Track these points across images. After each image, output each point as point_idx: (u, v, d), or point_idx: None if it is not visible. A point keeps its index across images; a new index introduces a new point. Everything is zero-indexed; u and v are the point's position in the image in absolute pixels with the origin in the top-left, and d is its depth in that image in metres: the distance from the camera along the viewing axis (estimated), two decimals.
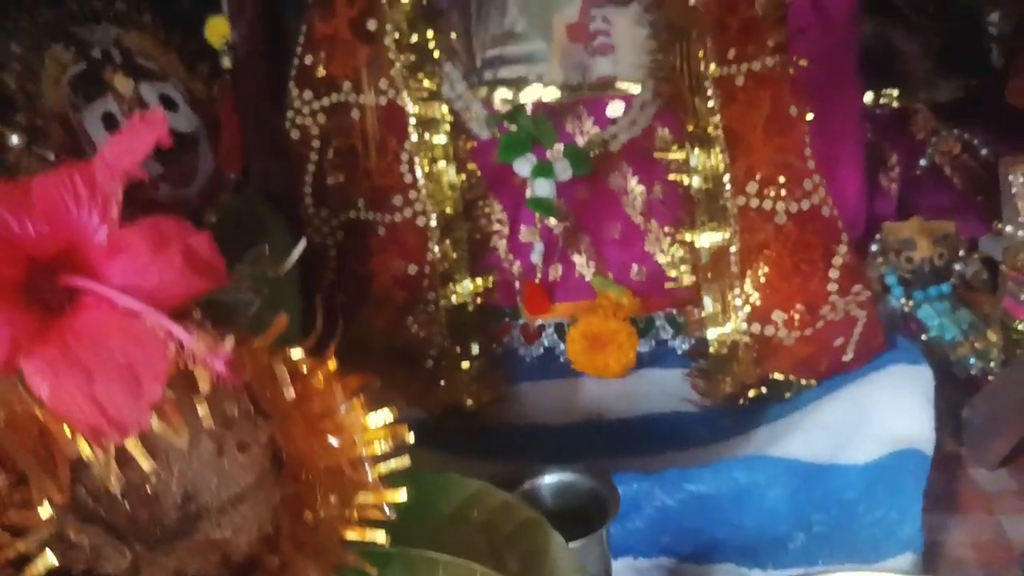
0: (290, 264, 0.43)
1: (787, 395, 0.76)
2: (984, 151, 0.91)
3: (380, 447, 0.40)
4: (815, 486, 0.64)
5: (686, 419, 0.78)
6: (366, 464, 0.39)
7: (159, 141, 0.37)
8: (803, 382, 0.77)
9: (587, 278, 0.91)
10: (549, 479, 0.58)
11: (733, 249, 0.83)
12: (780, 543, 0.62)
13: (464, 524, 0.45)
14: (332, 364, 0.41)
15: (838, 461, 0.65)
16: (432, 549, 0.43)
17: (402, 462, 0.40)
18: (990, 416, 0.70)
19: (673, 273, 0.87)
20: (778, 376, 0.78)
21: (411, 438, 0.40)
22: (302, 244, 0.44)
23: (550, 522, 0.49)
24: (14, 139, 0.71)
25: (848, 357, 0.76)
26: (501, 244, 0.92)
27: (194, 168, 0.90)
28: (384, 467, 0.39)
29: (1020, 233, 0.81)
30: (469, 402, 0.79)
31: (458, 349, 0.84)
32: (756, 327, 0.84)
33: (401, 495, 0.39)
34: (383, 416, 0.40)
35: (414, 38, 0.90)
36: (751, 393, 0.78)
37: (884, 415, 0.67)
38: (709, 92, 0.84)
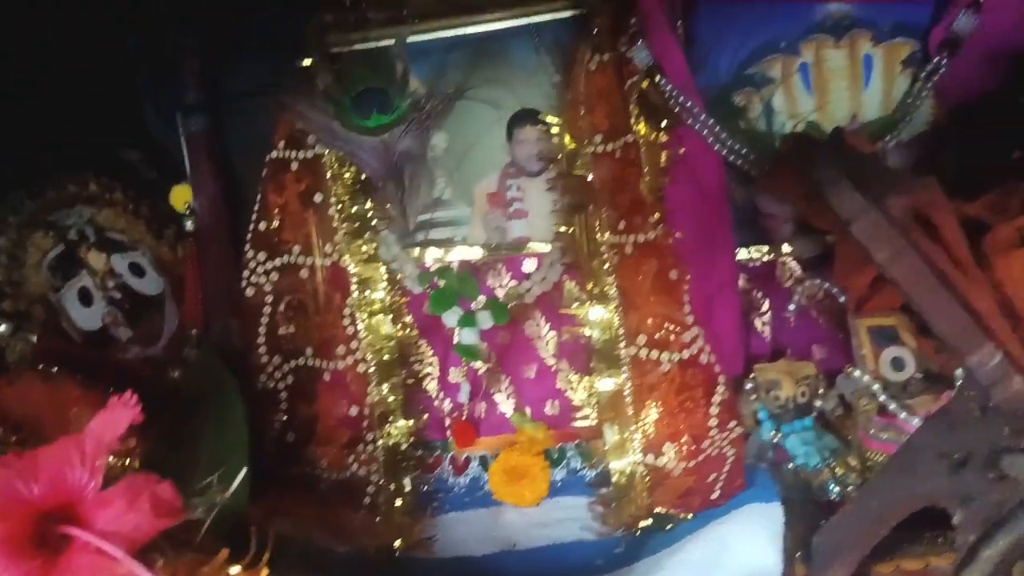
0: (234, 488, 0.56)
1: (668, 527, 0.90)
2: (842, 297, 1.07)
3: None
4: None
5: (587, 547, 0.90)
6: None
7: (133, 420, 0.50)
8: (682, 515, 0.90)
9: (508, 414, 1.04)
10: None
11: (627, 391, 0.98)
12: None
13: None
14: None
15: None
16: None
17: None
18: (832, 544, 0.83)
19: (580, 413, 1.01)
20: (662, 510, 0.91)
21: None
22: (244, 472, 0.56)
23: None
24: (2, 327, 0.81)
25: (716, 495, 0.89)
26: (432, 385, 1.05)
27: (160, 327, 1.03)
28: None
29: (866, 378, 0.96)
30: (398, 543, 0.90)
31: (392, 486, 0.97)
32: (651, 458, 0.97)
33: None
34: None
35: (355, 208, 1.05)
36: (641, 524, 0.91)
37: (739, 552, 0.80)
38: (604, 257, 1.00)
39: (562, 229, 1.01)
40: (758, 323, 1.06)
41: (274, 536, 0.82)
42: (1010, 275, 0.59)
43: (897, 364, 0.94)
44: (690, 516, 0.88)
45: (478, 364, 1.05)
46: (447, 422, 1.04)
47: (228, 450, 0.79)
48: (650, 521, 0.90)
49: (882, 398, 0.93)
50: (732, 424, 0.96)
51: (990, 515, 0.51)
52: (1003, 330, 0.53)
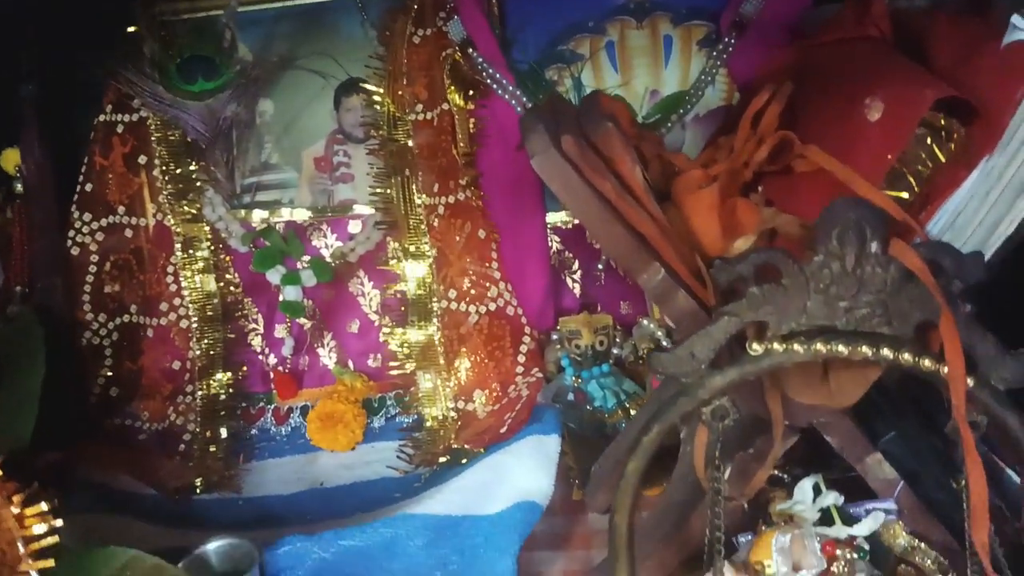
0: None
1: (463, 461, 0.96)
2: None
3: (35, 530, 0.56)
4: (451, 535, 0.83)
5: (389, 484, 0.96)
6: (19, 544, 0.54)
7: None
8: (476, 450, 0.97)
9: (330, 367, 1.10)
10: (214, 545, 0.75)
11: (439, 342, 1.04)
12: None
13: None
14: None
15: (471, 513, 0.85)
16: None
17: (50, 541, 0.56)
18: (602, 472, 0.91)
19: (399, 364, 1.07)
20: (459, 446, 0.98)
21: (59, 523, 0.56)
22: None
23: None
24: None
25: (504, 429, 0.97)
26: (257, 340, 1.10)
27: None
28: (36, 545, 0.55)
29: (652, 325, 1.06)
30: (199, 480, 0.94)
31: (208, 434, 1.01)
32: (461, 403, 1.04)
33: (49, 564, 0.55)
34: (39, 508, 0.56)
35: (179, 170, 1.09)
36: (440, 460, 0.98)
37: (512, 476, 0.87)
38: (420, 217, 1.07)
39: (379, 191, 1.08)
40: (569, 281, 1.14)
41: (72, 480, 0.86)
42: (696, 211, 0.68)
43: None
44: (482, 450, 0.95)
45: (302, 320, 1.10)
46: (271, 375, 1.09)
47: (18, 406, 0.81)
48: (448, 457, 0.96)
49: (665, 343, 1.02)
50: (535, 370, 1.04)
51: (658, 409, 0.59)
52: (667, 251, 0.61)
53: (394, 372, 1.06)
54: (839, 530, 0.59)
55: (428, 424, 1.04)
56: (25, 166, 1.11)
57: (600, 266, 1.16)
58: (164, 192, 1.07)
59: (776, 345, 0.54)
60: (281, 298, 1.08)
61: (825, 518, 0.60)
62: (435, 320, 1.04)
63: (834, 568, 0.56)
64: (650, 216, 0.59)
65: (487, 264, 1.05)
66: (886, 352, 0.53)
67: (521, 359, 1.05)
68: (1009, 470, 0.77)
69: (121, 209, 1.08)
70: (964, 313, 0.52)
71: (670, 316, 0.61)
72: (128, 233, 1.08)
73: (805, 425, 0.63)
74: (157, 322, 1.06)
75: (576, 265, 1.16)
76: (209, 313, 1.06)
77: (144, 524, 0.82)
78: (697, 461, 0.60)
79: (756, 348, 0.55)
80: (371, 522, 0.80)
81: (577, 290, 1.15)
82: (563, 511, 0.90)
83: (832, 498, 0.60)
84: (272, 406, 1.08)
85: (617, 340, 1.10)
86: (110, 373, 1.06)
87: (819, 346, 0.54)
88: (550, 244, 1.13)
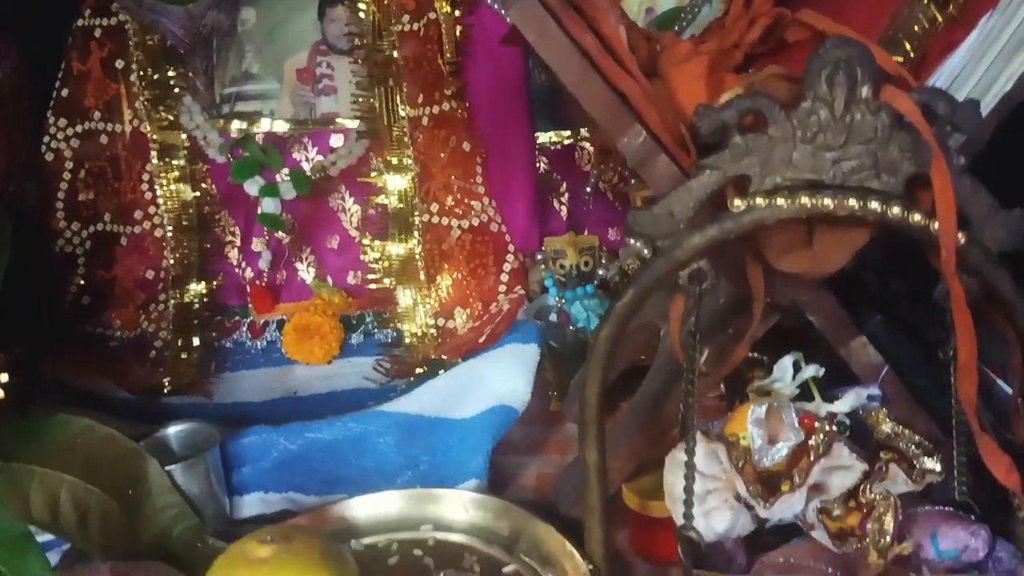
0: None
1: (440, 372, 0.94)
2: (634, 181, 1.13)
3: None
4: (423, 435, 0.81)
5: (364, 394, 0.93)
6: None
7: None
8: (453, 360, 0.95)
9: (308, 282, 1.07)
10: (175, 429, 0.72)
11: (419, 257, 1.02)
12: (391, 478, 0.77)
13: (70, 452, 0.59)
14: None
15: (446, 416, 0.82)
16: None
17: None
18: (577, 386, 0.89)
19: (379, 280, 1.04)
20: (436, 356, 0.96)
21: (4, 377, 0.54)
22: None
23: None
24: None
25: (482, 339, 0.94)
26: (233, 253, 1.07)
27: None
28: None
29: (638, 244, 1.03)
30: (167, 380, 0.92)
31: (180, 342, 0.98)
32: (441, 320, 1.02)
33: None
34: None
35: (157, 76, 1.05)
36: (417, 371, 0.95)
37: (490, 381, 0.85)
38: (404, 129, 1.04)
39: (362, 101, 1.05)
40: (556, 203, 1.12)
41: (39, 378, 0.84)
42: (682, 82, 0.65)
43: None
44: (459, 360, 0.93)
45: (280, 234, 1.07)
46: (248, 289, 1.07)
47: None
48: (425, 368, 0.94)
49: (646, 252, 1.00)
50: (518, 288, 1.02)
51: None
52: (649, 115, 0.58)
53: (373, 287, 1.03)
54: (818, 406, 0.57)
55: (407, 341, 1.01)
56: (0, 70, 1.09)
57: (588, 189, 1.13)
58: (141, 98, 1.03)
59: (759, 200, 0.52)
60: (259, 210, 1.05)
61: (804, 397, 0.58)
62: (416, 234, 1.01)
63: (812, 441, 0.54)
64: (632, 78, 0.57)
65: (471, 179, 1.02)
66: (874, 205, 0.50)
67: (504, 278, 1.02)
68: (1000, 381, 0.75)
69: (97, 115, 1.04)
70: (958, 166, 0.50)
71: (650, 183, 0.59)
72: (104, 140, 1.04)
73: (787, 303, 0.61)
74: (131, 230, 1.03)
75: (564, 187, 1.13)
76: (184, 223, 1.03)
77: (110, 419, 0.80)
78: (673, 334, 0.57)
79: (738, 204, 0.52)
80: (340, 417, 0.78)
81: (564, 213, 1.13)
82: (540, 421, 0.88)
83: (812, 370, 0.57)
84: (248, 320, 1.06)
85: (603, 261, 1.07)
86: (83, 282, 1.03)
87: (804, 200, 0.51)
88: (537, 165, 1.11)
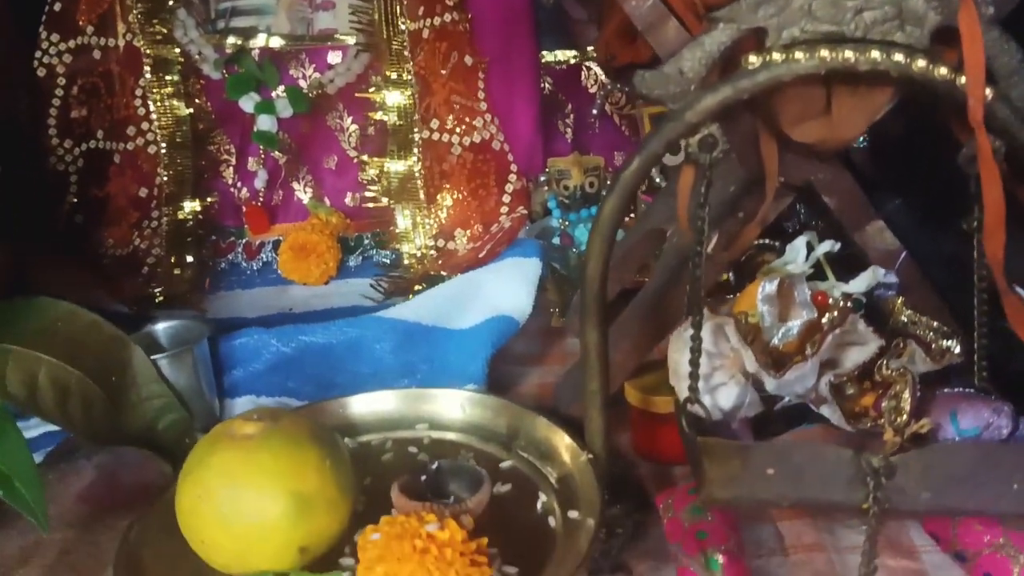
0: None
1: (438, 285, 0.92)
2: (641, 101, 1.10)
3: None
4: (420, 343, 0.79)
5: (361, 311, 0.91)
6: None
7: None
8: (453, 276, 0.93)
9: (304, 202, 1.04)
10: (163, 325, 0.70)
11: (419, 175, 0.99)
12: (387, 385, 0.73)
13: (50, 335, 0.56)
14: None
15: (444, 325, 0.80)
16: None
17: None
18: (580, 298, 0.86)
19: (377, 201, 1.01)
20: (435, 273, 0.93)
21: None
22: None
23: None
24: None
25: (482, 255, 0.92)
26: (228, 172, 1.05)
27: None
28: None
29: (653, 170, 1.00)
30: (159, 291, 0.90)
31: (173, 259, 0.96)
32: (441, 242, 0.99)
33: None
34: None
35: None
36: (416, 288, 0.93)
37: (489, 291, 0.83)
38: (404, 43, 1.00)
39: (360, 13, 1.01)
40: (561, 125, 1.08)
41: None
42: None
43: (675, 147, 0.98)
44: (458, 275, 0.90)
45: (276, 153, 1.04)
46: (243, 209, 1.04)
47: None
48: (423, 285, 0.91)
49: (658, 179, 0.97)
50: (520, 208, 0.99)
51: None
52: None
53: (371, 206, 1.00)
54: (832, 286, 0.54)
55: (406, 262, 0.99)
56: None
57: (595, 111, 1.10)
58: (134, 12, 1.00)
59: (776, 55, 0.49)
60: (255, 128, 1.02)
61: (818, 279, 0.55)
62: (416, 152, 0.98)
63: (825, 319, 0.51)
64: None
65: (473, 95, 0.98)
66: (898, 58, 0.47)
67: (506, 199, 0.99)
68: (1019, 288, 0.72)
69: (90, 29, 1.00)
70: (986, 14, 0.47)
71: (659, 49, 0.56)
72: (97, 55, 1.01)
73: (801, 183, 0.58)
74: (124, 147, 1.00)
75: (569, 109, 1.10)
76: (178, 140, 1.00)
77: None
78: (680, 208, 0.55)
79: (753, 60, 0.49)
80: (336, 321, 0.75)
81: (569, 136, 1.09)
82: (541, 335, 0.86)
83: (827, 246, 0.55)
84: (243, 240, 1.03)
85: (608, 183, 1.04)
86: (75, 200, 1.01)
87: (824, 53, 0.48)
88: (542, 86, 1.08)
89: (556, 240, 1.02)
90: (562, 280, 0.95)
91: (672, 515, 0.54)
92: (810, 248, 0.57)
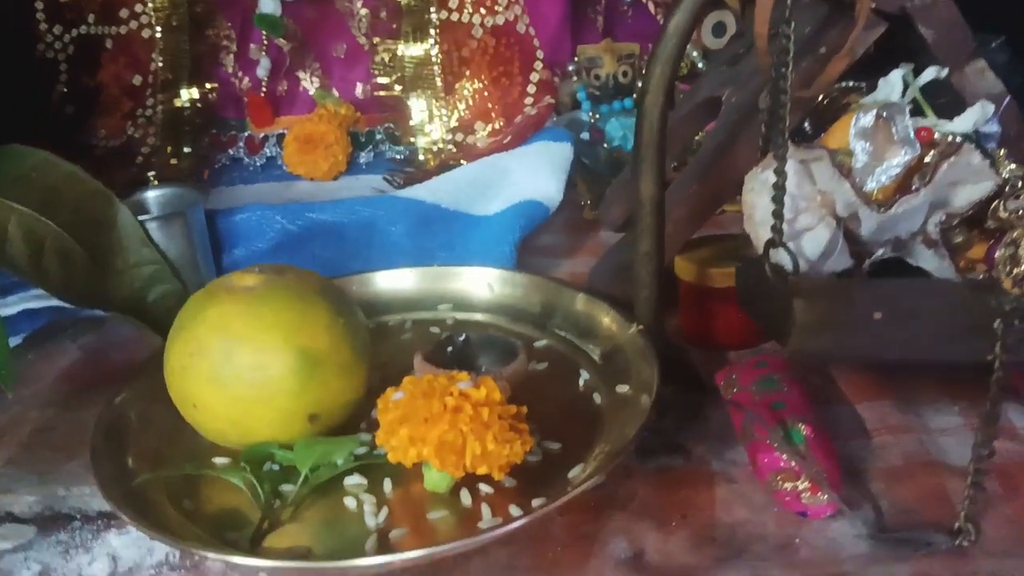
0: None
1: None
2: None
3: None
4: (439, 229, 0.71)
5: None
6: None
7: None
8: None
9: (311, 93, 0.96)
10: (154, 192, 0.63)
11: (436, 60, 0.90)
12: None
13: (23, 184, 0.49)
14: None
15: (466, 211, 0.72)
16: None
17: None
18: (614, 191, 0.78)
19: (389, 90, 0.93)
20: (453, 163, 0.86)
21: None
22: None
23: None
24: None
25: (506, 141, 0.84)
26: (229, 60, 0.96)
27: None
28: None
29: (695, 53, 0.91)
30: (152, 175, 0.83)
31: (169, 148, 0.88)
32: (460, 136, 0.91)
33: None
34: None
35: None
36: (434, 176, 0.85)
37: (516, 176, 0.75)
38: None
39: None
40: (591, 13, 0.99)
41: None
42: None
43: (718, 30, 0.89)
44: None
45: (280, 41, 0.96)
46: (245, 100, 0.96)
47: None
48: (439, 172, 0.84)
49: (700, 65, 0.88)
50: (546, 98, 0.91)
51: None
52: None
53: (383, 94, 0.92)
54: (933, 123, 0.46)
55: (421, 157, 0.91)
56: None
57: None
58: None
59: None
60: (257, 10, 0.93)
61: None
62: (433, 34, 0.90)
63: (928, 158, 0.43)
64: None
65: None
66: None
67: (531, 89, 0.91)
68: None
69: None
70: None
71: None
72: None
73: (895, 10, 0.50)
74: (117, 31, 0.92)
75: None
76: (174, 23, 0.92)
77: None
78: (758, 35, 0.46)
79: None
80: (346, 199, 0.68)
81: (600, 24, 1.00)
82: (572, 228, 0.78)
83: (932, 72, 0.46)
84: (245, 134, 0.94)
85: (643, 72, 0.96)
86: (66, 89, 0.93)
87: None
88: None
89: (585, 135, 0.93)
90: (592, 178, 0.87)
91: (737, 390, 0.47)
92: (905, 85, 0.49)
